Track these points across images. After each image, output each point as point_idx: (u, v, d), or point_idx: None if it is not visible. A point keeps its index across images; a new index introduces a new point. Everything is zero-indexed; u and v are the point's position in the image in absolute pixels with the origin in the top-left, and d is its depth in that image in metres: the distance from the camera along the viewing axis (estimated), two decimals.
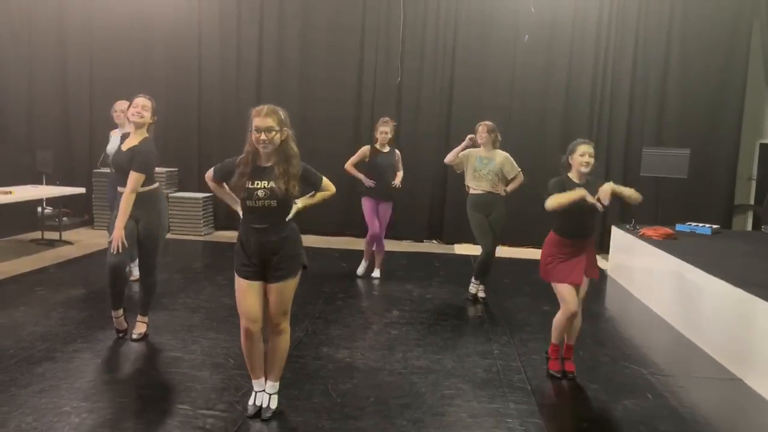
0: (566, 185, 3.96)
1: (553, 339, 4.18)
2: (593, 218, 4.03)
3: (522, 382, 4.03)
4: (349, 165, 6.41)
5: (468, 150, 5.82)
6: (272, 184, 3.12)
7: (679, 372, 4.41)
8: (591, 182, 4.01)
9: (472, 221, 5.83)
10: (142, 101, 4.28)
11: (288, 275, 3.23)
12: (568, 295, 3.97)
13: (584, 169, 3.94)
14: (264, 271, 3.22)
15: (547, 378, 4.11)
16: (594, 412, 3.68)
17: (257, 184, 3.13)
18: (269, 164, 3.17)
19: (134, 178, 4.19)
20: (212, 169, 3.38)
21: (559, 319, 4.08)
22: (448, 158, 5.90)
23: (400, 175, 6.42)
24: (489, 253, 5.77)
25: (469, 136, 5.84)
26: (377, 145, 6.36)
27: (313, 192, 3.39)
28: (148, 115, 4.29)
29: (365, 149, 6.40)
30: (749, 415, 3.85)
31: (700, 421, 3.59)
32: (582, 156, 3.93)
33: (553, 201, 3.88)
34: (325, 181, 3.39)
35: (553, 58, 8.90)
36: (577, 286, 4.01)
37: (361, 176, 6.35)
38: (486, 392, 3.84)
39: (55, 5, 9.22)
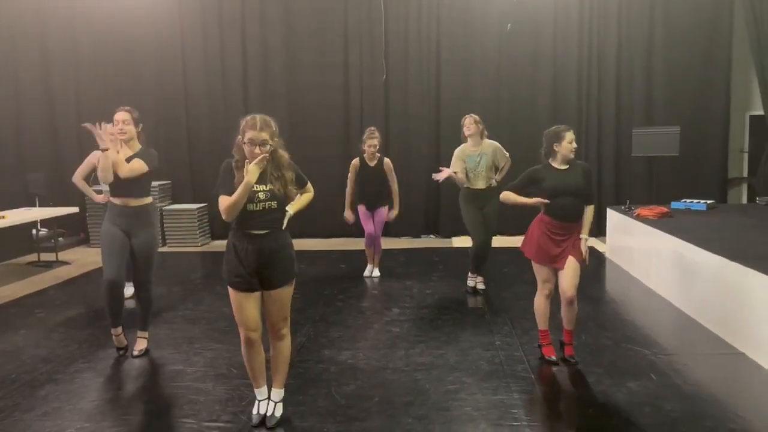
0: (544, 175, 4.07)
1: (539, 325, 4.22)
2: (581, 202, 4.05)
3: (526, 371, 4.03)
4: (349, 189, 6.45)
5: (459, 151, 5.78)
6: (270, 186, 3.15)
7: (682, 350, 4.41)
8: (573, 165, 4.12)
9: (467, 215, 5.82)
10: (121, 116, 4.26)
11: (286, 281, 3.25)
12: (546, 276, 4.09)
13: (572, 155, 4.10)
14: (259, 279, 3.21)
15: (550, 366, 4.10)
16: (599, 396, 3.67)
17: (257, 187, 3.12)
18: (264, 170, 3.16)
19: (138, 166, 4.18)
20: (220, 197, 3.12)
21: (536, 301, 4.18)
22: (462, 182, 5.82)
23: (394, 210, 6.49)
24: (480, 244, 5.76)
25: (443, 172, 5.71)
26: (366, 159, 6.37)
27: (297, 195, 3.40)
28: (130, 128, 4.28)
29: (356, 163, 6.42)
30: (753, 389, 3.85)
31: (705, 398, 3.59)
32: (570, 143, 4.08)
33: (510, 197, 4.11)
34: (309, 183, 3.44)
35: (537, 46, 8.89)
36: (555, 270, 4.06)
37: (347, 216, 6.46)
38: (490, 384, 3.84)
39: (38, 24, 9.14)
